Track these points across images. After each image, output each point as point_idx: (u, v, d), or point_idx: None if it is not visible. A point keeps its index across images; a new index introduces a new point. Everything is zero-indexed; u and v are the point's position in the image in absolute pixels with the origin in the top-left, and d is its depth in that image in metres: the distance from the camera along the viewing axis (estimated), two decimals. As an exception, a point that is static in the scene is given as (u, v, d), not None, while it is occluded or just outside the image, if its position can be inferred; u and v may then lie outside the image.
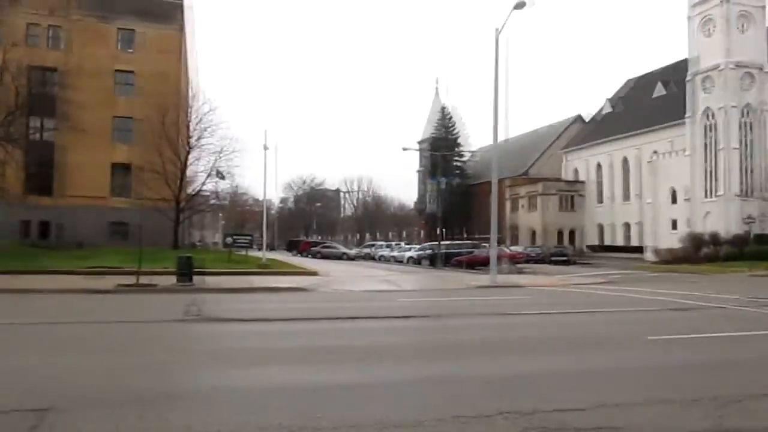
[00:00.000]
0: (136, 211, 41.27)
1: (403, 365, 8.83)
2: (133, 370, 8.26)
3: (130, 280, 22.36)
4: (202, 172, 49.72)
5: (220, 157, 47.29)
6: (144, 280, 22.11)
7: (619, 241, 67.29)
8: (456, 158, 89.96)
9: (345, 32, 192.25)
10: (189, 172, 48.38)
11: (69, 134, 41.41)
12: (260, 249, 39.84)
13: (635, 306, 17.64)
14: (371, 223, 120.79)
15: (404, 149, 57.61)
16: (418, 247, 57.11)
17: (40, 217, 43.68)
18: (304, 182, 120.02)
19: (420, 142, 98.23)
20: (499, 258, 29.15)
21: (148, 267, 24.25)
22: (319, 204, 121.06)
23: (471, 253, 42.05)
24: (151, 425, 5.57)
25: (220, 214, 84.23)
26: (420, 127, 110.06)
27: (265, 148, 36.87)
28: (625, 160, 67.51)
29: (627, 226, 66.97)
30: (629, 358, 9.58)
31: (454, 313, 16.09)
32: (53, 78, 44.29)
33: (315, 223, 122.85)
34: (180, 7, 48.73)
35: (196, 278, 22.97)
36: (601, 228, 70.76)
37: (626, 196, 67.49)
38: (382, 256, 57.64)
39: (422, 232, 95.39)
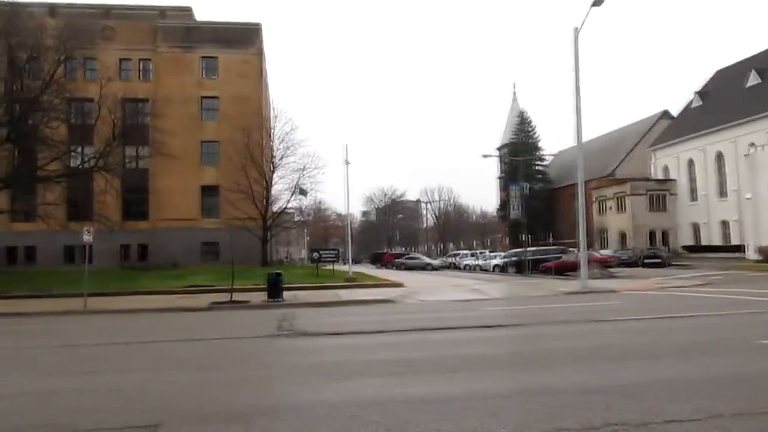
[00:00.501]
0: (225, 230, 42.79)
1: (498, 376, 8.63)
2: (232, 386, 8.46)
3: (224, 297, 23.15)
4: (286, 190, 51.11)
5: (303, 175, 48.52)
6: (236, 297, 22.83)
7: (717, 240, 63.72)
8: (537, 162, 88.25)
9: (419, 43, 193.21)
10: (274, 190, 49.79)
11: (161, 160, 43.50)
12: (346, 263, 40.32)
13: (739, 308, 16.60)
14: (453, 232, 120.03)
15: (484, 156, 56.94)
16: (503, 254, 56.20)
17: (138, 240, 46.01)
18: (384, 194, 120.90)
19: (499, 148, 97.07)
20: (589, 262, 28.23)
21: (239, 284, 25.06)
22: (400, 216, 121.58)
23: (558, 258, 40.93)
24: (253, 441, 5.64)
25: (305, 230, 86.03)
26: (498, 133, 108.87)
27: (346, 162, 37.36)
28: (720, 155, 63.99)
29: (725, 224, 63.37)
30: (739, 363, 8.98)
31: (545, 321, 15.65)
32: (145, 108, 46.75)
33: (397, 234, 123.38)
34: (258, 32, 50.37)
35: (286, 294, 23.48)
36: (695, 227, 67.31)
37: (722, 193, 63.90)
38: (467, 265, 57.09)
39: (506, 238, 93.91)
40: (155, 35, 48.53)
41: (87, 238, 22.76)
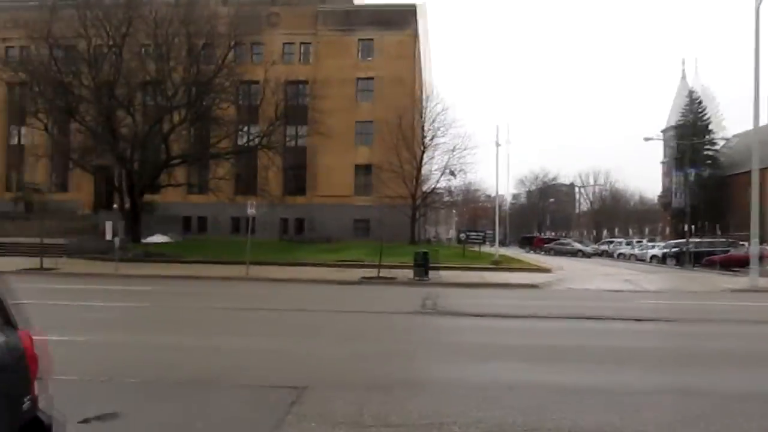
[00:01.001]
0: (376, 208, 44.17)
1: (643, 372, 8.28)
2: (375, 357, 8.87)
3: (373, 272, 23.98)
4: (436, 170, 51.51)
5: (453, 155, 48.61)
6: (384, 273, 23.58)
7: None
8: (707, 146, 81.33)
9: (575, 20, 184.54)
10: (424, 170, 50.37)
11: (319, 139, 45.60)
12: (493, 245, 40.04)
13: None
14: (609, 218, 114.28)
15: (646, 139, 53.35)
16: (662, 244, 52.77)
17: (296, 214, 48.71)
18: (536, 177, 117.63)
19: (664, 131, 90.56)
20: (762, 258, 25.75)
21: (387, 261, 25.80)
22: (552, 199, 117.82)
23: (726, 252, 37.72)
24: (392, 410, 5.94)
25: (454, 211, 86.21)
26: (663, 115, 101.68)
27: (497, 144, 36.96)
28: None
29: None
30: None
31: (704, 319, 14.64)
32: (304, 90, 49.09)
33: (548, 219, 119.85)
34: (413, 13, 50.84)
35: (431, 273, 23.83)
36: None
37: None
38: (621, 253, 54.36)
39: (667, 228, 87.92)
40: (316, 19, 50.63)
41: (251, 211, 24.61)
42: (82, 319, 11.68)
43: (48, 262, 24.81)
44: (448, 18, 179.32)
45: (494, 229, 42.76)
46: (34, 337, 3.46)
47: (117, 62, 35.45)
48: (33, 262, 24.19)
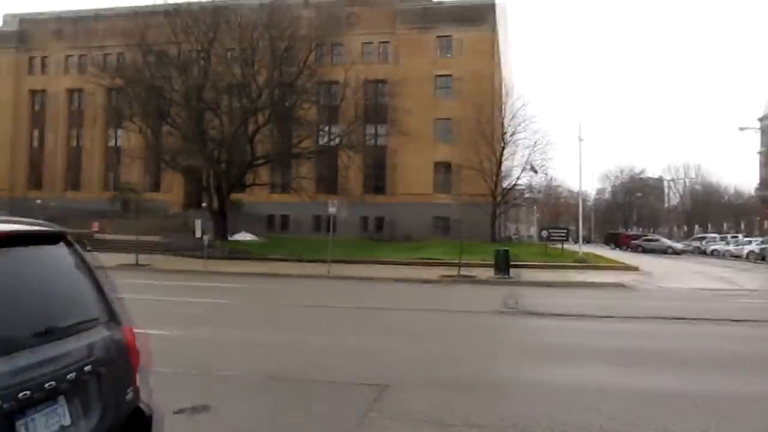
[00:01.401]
0: (456, 206, 43.85)
1: (739, 376, 7.88)
2: (457, 356, 8.86)
3: (453, 271, 23.88)
4: (516, 166, 50.72)
5: (534, 151, 47.73)
6: (464, 271, 23.44)
7: None
8: (810, 135, 76.13)
9: (659, 6, 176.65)
10: (504, 167, 49.69)
11: (398, 138, 45.83)
12: (576, 242, 39.02)
13: None
14: (701, 213, 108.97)
15: (741, 129, 50.65)
16: (760, 239, 49.85)
17: (376, 213, 49.17)
18: (621, 172, 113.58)
19: (761, 119, 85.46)
20: None
21: (467, 259, 25.65)
22: (639, 194, 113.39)
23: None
24: (475, 411, 5.92)
25: (535, 208, 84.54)
26: (759, 102, 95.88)
27: (580, 139, 35.88)
28: None
29: None
30: None
31: (808, 321, 13.74)
32: (384, 89, 49.43)
33: (635, 215, 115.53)
34: (492, 9, 50.23)
35: (513, 271, 23.51)
36: None
37: None
38: (714, 250, 51.71)
39: (765, 222, 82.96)
40: (394, 18, 50.88)
41: (332, 209, 25.02)
42: (175, 314, 12.25)
43: (143, 259, 26.11)
44: (525, 12, 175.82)
45: (577, 226, 41.68)
46: (135, 332, 3.68)
47: (205, 67, 36.95)
48: (129, 258, 25.50)
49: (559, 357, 8.93)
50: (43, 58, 59.37)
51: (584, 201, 54.46)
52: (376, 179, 50.28)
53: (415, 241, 42.58)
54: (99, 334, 3.30)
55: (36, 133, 59.93)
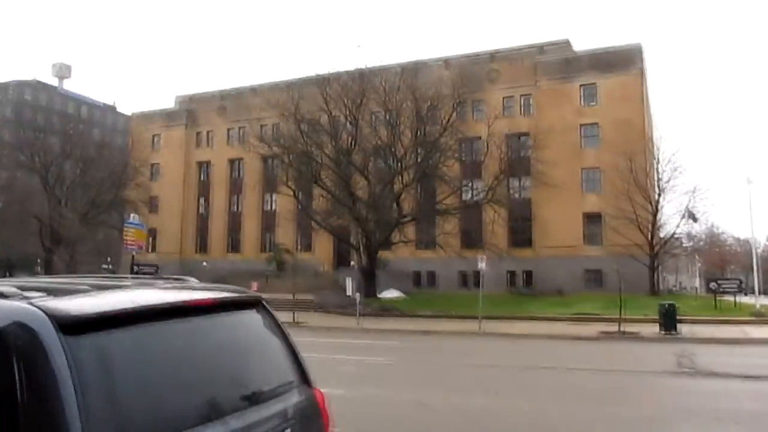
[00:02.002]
0: (608, 258, 41.73)
1: None
2: (633, 422, 8.23)
3: (611, 327, 22.56)
4: (674, 214, 47.42)
5: (694, 197, 44.46)
6: (625, 327, 22.03)
7: None
8: None
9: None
10: (660, 215, 46.69)
11: (543, 190, 44.80)
12: (747, 295, 35.51)
13: None
14: None
15: None
16: None
17: (523, 267, 47.90)
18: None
19: None
20: None
21: (626, 314, 24.12)
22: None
23: None
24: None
25: (696, 257, 78.39)
26: None
27: (749, 181, 33.16)
28: None
29: None
30: None
31: None
32: (526, 141, 48.81)
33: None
34: (639, 53, 48.44)
35: (681, 327, 21.75)
36: None
37: None
38: None
39: None
40: (535, 71, 50.48)
41: (482, 265, 24.75)
42: (336, 372, 12.50)
43: (298, 317, 27.19)
44: (670, 52, 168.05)
45: (752, 277, 38.00)
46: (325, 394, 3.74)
47: (353, 131, 38.74)
48: (286, 316, 26.64)
49: (748, 426, 7.99)
50: (208, 132, 65.28)
51: (757, 248, 49.67)
52: (522, 233, 49.20)
53: (566, 296, 40.89)
54: (295, 397, 3.38)
55: (201, 200, 65.45)
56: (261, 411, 2.96)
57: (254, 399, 2.95)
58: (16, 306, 2.46)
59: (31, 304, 2.44)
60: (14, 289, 2.64)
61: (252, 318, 3.46)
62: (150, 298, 2.89)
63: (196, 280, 3.81)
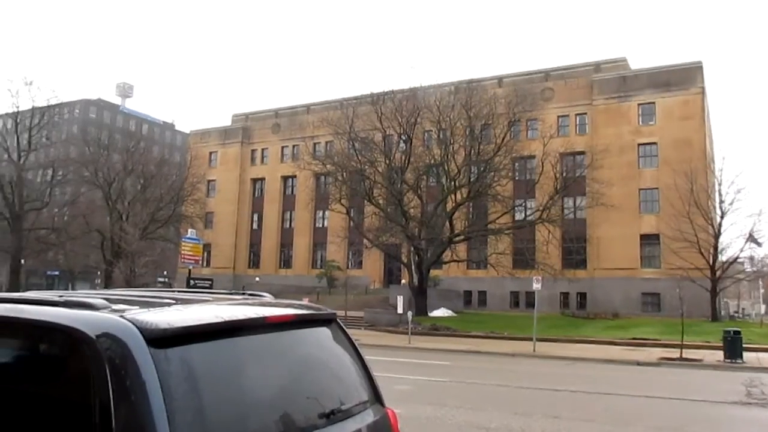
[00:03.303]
0: (666, 281, 40.47)
1: None
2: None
3: (671, 352, 21.83)
4: (738, 237, 45.66)
5: (759, 220, 42.72)
6: (686, 353, 21.26)
7: None
8: None
9: None
10: (723, 238, 45.04)
11: (598, 210, 43.82)
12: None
13: None
14: None
15: None
16: None
17: (577, 288, 46.89)
18: None
19: None
20: None
21: (686, 339, 23.30)
22: None
23: None
24: None
25: (760, 282, 75.23)
26: None
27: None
28: None
29: None
30: None
31: None
32: (582, 160, 47.98)
33: None
34: (699, 71, 47.22)
35: (746, 355, 20.85)
36: None
37: None
38: None
39: None
40: (591, 89, 49.75)
41: (537, 285, 24.31)
42: (392, 391, 12.30)
43: (350, 334, 27.17)
44: (731, 73, 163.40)
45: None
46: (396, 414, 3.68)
47: (406, 149, 38.83)
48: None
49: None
50: (263, 150, 66.58)
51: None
52: (576, 253, 48.23)
53: (621, 319, 39.79)
54: (370, 417, 3.34)
55: (255, 216, 66.63)
56: (338, 430, 2.94)
57: (332, 417, 2.93)
58: (107, 318, 2.52)
59: (122, 317, 2.49)
60: (103, 302, 2.70)
61: (328, 335, 3.46)
62: (233, 313, 2.92)
63: (270, 296, 3.84)
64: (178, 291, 3.86)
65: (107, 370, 2.30)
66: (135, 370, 2.30)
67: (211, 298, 3.36)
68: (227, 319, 2.78)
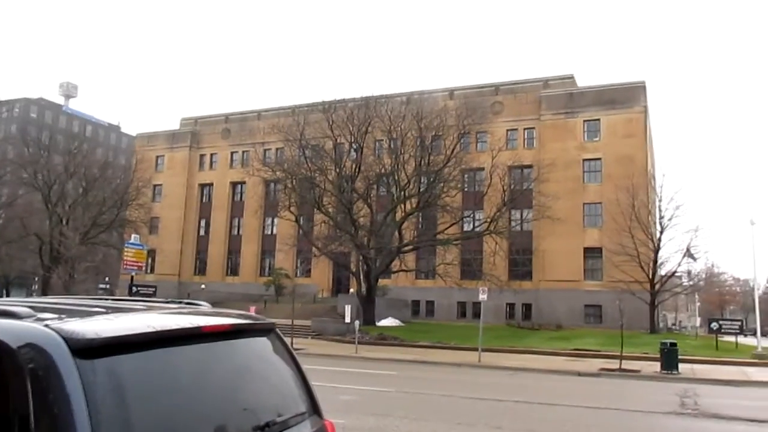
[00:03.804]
0: (608, 293, 41.55)
1: None
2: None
3: (611, 363, 22.35)
4: (676, 252, 47.30)
5: (696, 236, 44.36)
6: (625, 365, 21.81)
7: None
8: None
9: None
10: (662, 252, 46.58)
11: (544, 223, 44.74)
12: (746, 336, 35.24)
13: None
14: None
15: None
16: None
17: (522, 300, 47.68)
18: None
19: None
20: None
21: (626, 351, 23.92)
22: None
23: None
24: None
25: (696, 296, 78.04)
26: None
27: (752, 222, 33.08)
28: None
29: None
30: None
31: None
32: (529, 174, 48.95)
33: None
34: (642, 90, 48.86)
35: (681, 366, 21.54)
36: None
37: None
38: None
39: None
40: (539, 104, 50.88)
41: (483, 296, 24.59)
42: (336, 401, 12.30)
43: (296, 343, 26.92)
44: (672, 93, 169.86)
45: (751, 317, 37.79)
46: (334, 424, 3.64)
47: (357, 158, 38.87)
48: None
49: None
50: (212, 155, 65.51)
51: (758, 289, 49.44)
52: (522, 265, 49.11)
53: (566, 330, 40.61)
54: (308, 429, 3.30)
55: (202, 222, 65.41)
56: (274, 443, 2.88)
57: (267, 429, 2.86)
58: (31, 327, 2.40)
59: (47, 326, 2.39)
60: (28, 310, 2.58)
61: (266, 345, 3.38)
62: (166, 323, 2.82)
63: (207, 305, 3.75)
64: (113, 299, 3.73)
65: (28, 382, 2.20)
66: (58, 382, 2.20)
67: (144, 307, 3.25)
68: (159, 328, 2.68)
